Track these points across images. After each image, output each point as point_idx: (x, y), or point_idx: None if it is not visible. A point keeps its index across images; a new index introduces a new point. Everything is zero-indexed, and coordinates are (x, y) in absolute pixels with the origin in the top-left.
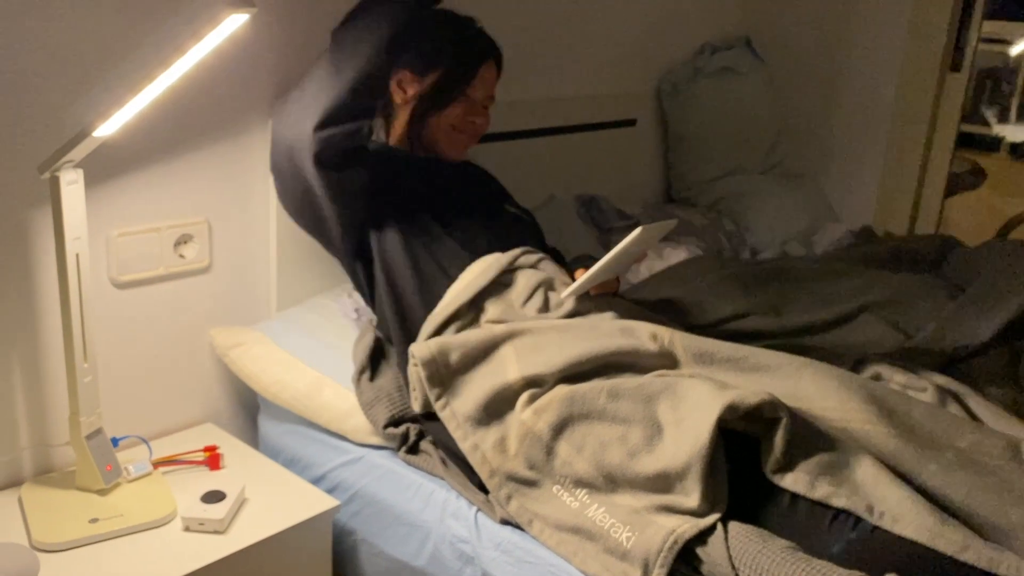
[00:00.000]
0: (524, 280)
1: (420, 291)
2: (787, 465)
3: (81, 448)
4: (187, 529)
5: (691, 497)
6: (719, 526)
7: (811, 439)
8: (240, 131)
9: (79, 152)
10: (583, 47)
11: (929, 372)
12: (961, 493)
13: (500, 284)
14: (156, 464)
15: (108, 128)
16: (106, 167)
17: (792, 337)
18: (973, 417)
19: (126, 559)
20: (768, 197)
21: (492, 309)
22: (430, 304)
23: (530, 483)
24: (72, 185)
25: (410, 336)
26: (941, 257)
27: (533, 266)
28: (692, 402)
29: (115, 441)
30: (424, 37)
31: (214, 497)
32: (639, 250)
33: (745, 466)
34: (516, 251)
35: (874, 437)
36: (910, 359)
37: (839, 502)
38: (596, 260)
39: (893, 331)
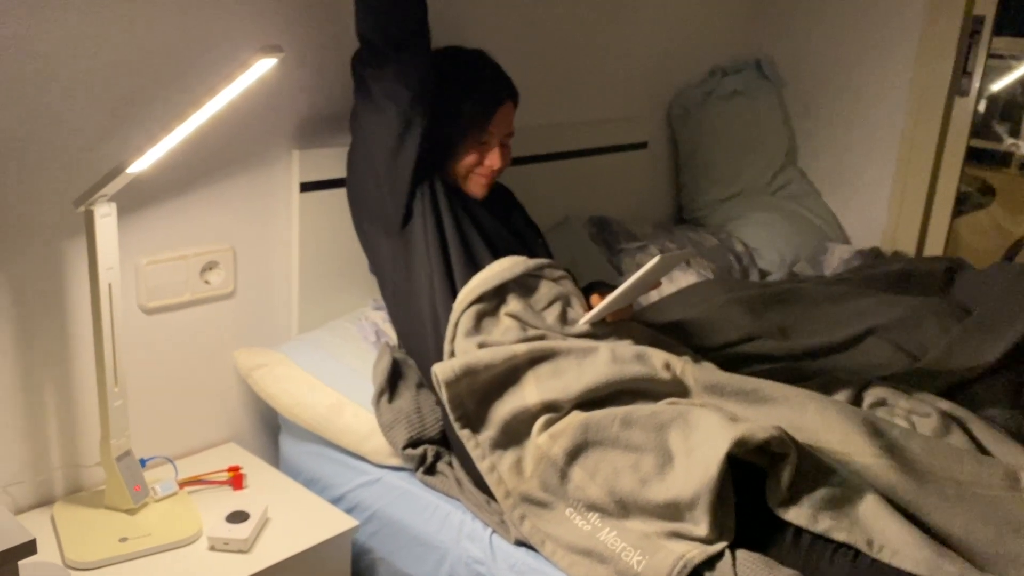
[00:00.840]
0: (546, 289)
1: (467, 264)
2: (791, 499)
3: (111, 469)
4: (212, 548)
5: (700, 526)
6: (727, 553)
7: (814, 473)
8: (264, 164)
9: (113, 187)
10: (595, 73)
11: (933, 397)
12: (960, 526)
13: (524, 285)
14: (182, 484)
15: (142, 164)
16: (136, 198)
17: (799, 360)
18: (976, 443)
19: (152, 569)
20: (777, 218)
21: (513, 303)
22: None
23: (543, 505)
24: (106, 218)
25: (453, 297)
26: (950, 279)
27: (555, 280)
28: (702, 433)
29: (143, 462)
30: (440, 88)
31: (238, 517)
32: (655, 279)
33: (752, 497)
34: (543, 260)
35: (875, 470)
36: (915, 382)
37: (840, 536)
38: (608, 285)
39: (900, 354)
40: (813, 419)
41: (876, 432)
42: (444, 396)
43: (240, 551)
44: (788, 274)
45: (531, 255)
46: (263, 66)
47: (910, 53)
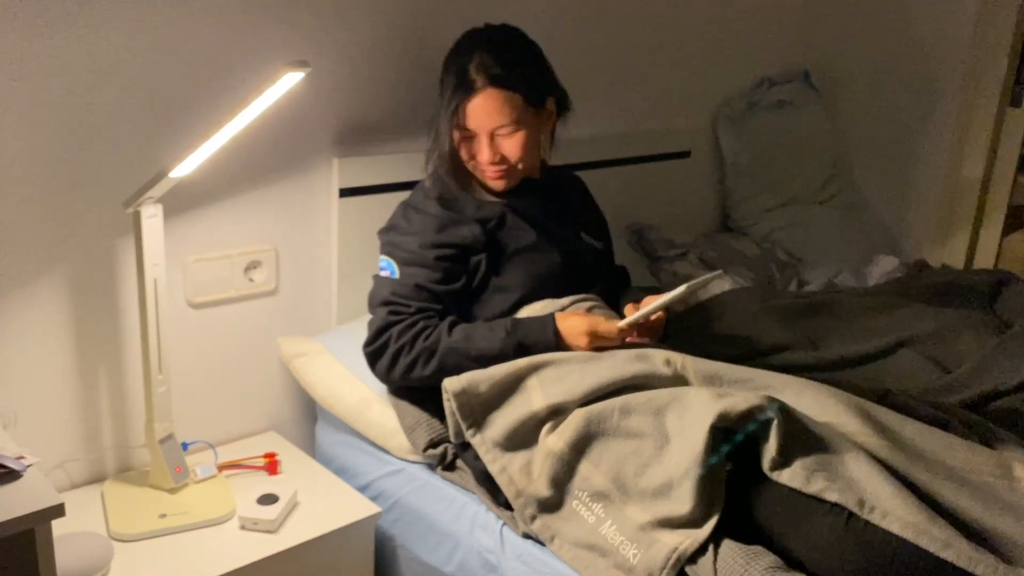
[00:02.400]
0: None
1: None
2: (784, 462)
3: (154, 451)
4: (243, 527)
5: (684, 504)
6: (710, 547)
7: (808, 438)
8: (305, 168)
9: (158, 190)
10: (641, 84)
11: (960, 410)
12: (948, 496)
13: None
14: (220, 468)
15: (183, 169)
16: (185, 200)
17: (827, 371)
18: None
19: (188, 552)
20: (822, 228)
21: None
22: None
23: (553, 503)
24: (152, 218)
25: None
26: (996, 293)
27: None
28: (693, 411)
29: (185, 445)
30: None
31: (269, 500)
32: (680, 305)
33: (747, 459)
34: (569, 299)
35: (868, 448)
36: (939, 396)
37: (832, 496)
38: (647, 291)
39: (930, 367)
40: (808, 404)
41: (869, 416)
42: (454, 405)
43: (268, 531)
44: (826, 284)
45: (572, 252)
46: (290, 80)
47: (961, 63)
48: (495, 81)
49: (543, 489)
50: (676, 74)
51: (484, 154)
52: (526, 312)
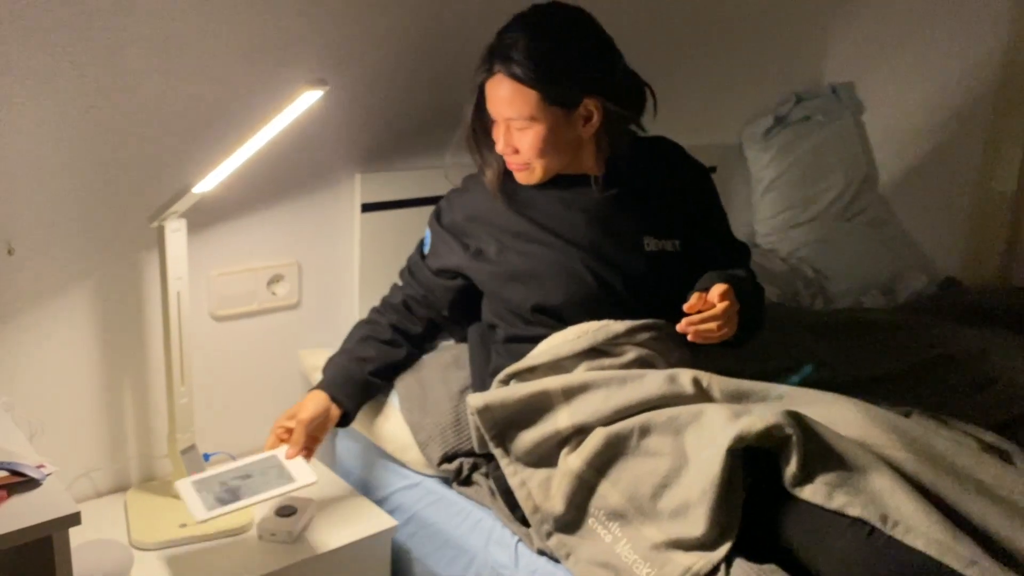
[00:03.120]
0: (633, 354)
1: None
2: (805, 477)
3: (176, 461)
4: (261, 538)
5: (698, 526)
6: (722, 567)
7: (830, 453)
8: (328, 183)
9: (182, 205)
10: (667, 99)
11: (980, 429)
12: (977, 512)
13: (601, 352)
14: None
15: (206, 185)
16: (210, 215)
17: (845, 391)
18: None
19: (206, 562)
20: (850, 245)
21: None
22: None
23: (570, 521)
24: (176, 233)
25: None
26: None
27: (640, 344)
28: (711, 432)
29: (206, 456)
30: None
31: (287, 511)
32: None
33: (767, 473)
34: (620, 328)
35: (894, 463)
36: (965, 416)
37: (854, 511)
38: (727, 276)
39: (960, 385)
40: (835, 418)
41: (897, 428)
42: (477, 420)
43: (286, 542)
44: (855, 303)
45: (644, 283)
46: (309, 98)
47: (993, 77)
48: (509, 72)
49: (560, 506)
50: (702, 89)
51: (499, 143)
52: (570, 334)
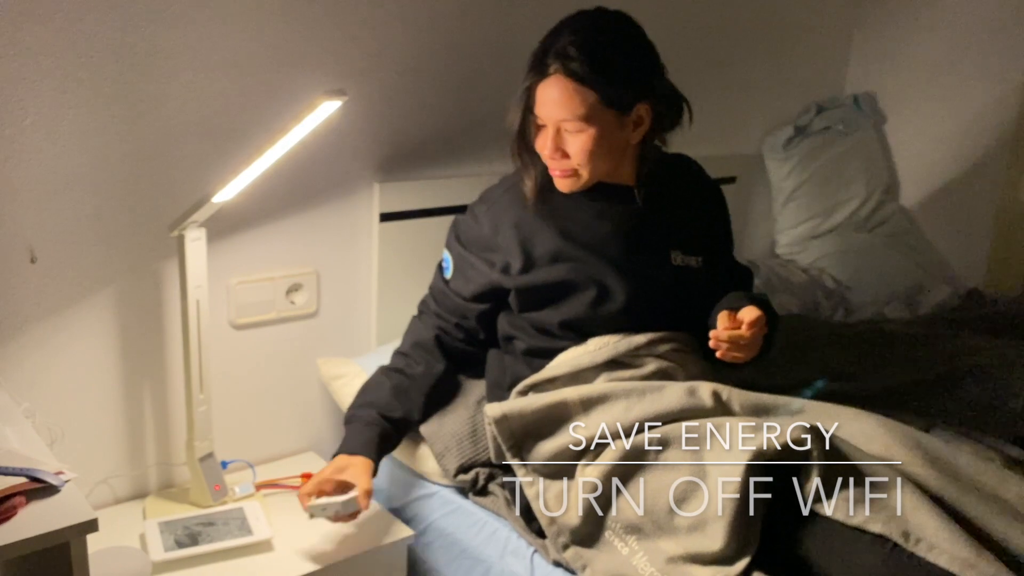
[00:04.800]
0: (653, 366)
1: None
2: (826, 493)
3: (194, 468)
4: (312, 516)
5: (716, 541)
6: None
7: (851, 468)
8: (346, 193)
9: (202, 214)
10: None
11: (1004, 443)
12: (1000, 528)
13: (621, 363)
14: (259, 487)
15: (226, 194)
16: (229, 224)
17: (875, 402)
18: None
19: (222, 570)
20: (871, 256)
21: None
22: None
23: (587, 533)
24: (196, 242)
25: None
26: None
27: (661, 356)
28: (730, 446)
29: (225, 464)
30: None
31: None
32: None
33: (787, 487)
34: (642, 340)
35: (917, 477)
36: (986, 430)
37: (875, 528)
38: (748, 297)
39: (981, 399)
40: (856, 434)
41: (919, 444)
42: (495, 430)
43: (338, 512)
44: (875, 314)
45: (669, 297)
46: (328, 108)
47: (1016, 87)
48: (569, 70)
49: (577, 518)
50: (723, 99)
51: (547, 145)
52: (591, 345)
